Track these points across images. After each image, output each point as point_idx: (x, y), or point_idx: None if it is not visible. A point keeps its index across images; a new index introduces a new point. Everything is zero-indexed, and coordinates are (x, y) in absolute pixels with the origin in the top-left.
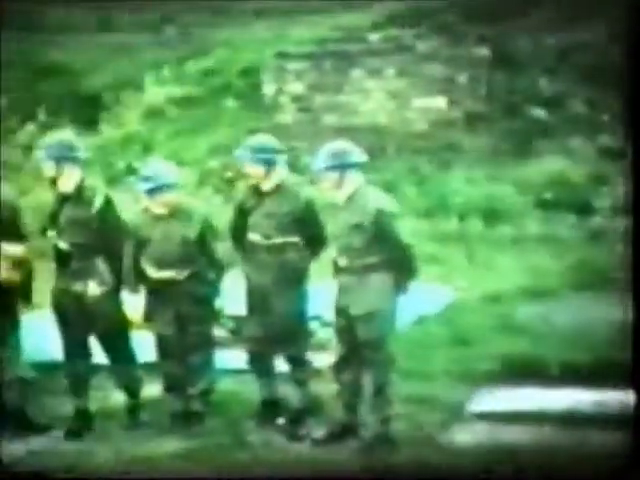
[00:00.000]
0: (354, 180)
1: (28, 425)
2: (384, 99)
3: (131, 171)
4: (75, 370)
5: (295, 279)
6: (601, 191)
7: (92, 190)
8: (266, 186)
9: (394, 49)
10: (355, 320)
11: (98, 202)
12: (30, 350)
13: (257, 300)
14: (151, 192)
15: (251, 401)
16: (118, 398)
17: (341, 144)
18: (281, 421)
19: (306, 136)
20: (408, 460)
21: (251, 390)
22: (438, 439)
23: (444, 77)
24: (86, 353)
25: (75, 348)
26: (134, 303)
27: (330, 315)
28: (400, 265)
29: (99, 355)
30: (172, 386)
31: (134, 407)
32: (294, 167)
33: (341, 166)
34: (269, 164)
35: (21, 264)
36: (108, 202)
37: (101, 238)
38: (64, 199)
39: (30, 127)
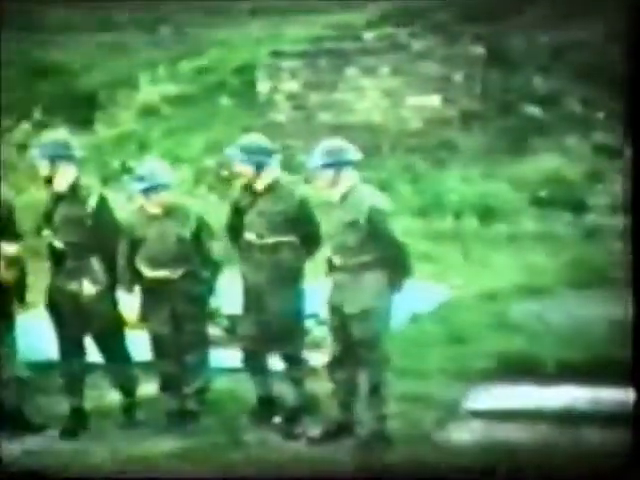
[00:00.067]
0: (349, 178)
1: (24, 424)
2: (379, 97)
3: (126, 170)
4: (70, 369)
5: (290, 278)
6: (596, 189)
7: (87, 189)
8: (259, 186)
9: (389, 47)
10: (349, 318)
11: (93, 201)
12: (25, 349)
13: (253, 299)
14: (146, 192)
15: (246, 400)
16: (113, 397)
17: (336, 142)
18: (277, 420)
19: (301, 134)
20: (404, 458)
21: (246, 389)
22: (434, 437)
23: (439, 75)
24: (81, 352)
25: (70, 347)
26: (129, 302)
27: (325, 313)
28: (394, 263)
29: (94, 354)
30: (167, 385)
31: (129, 406)
32: (289, 165)
33: (336, 164)
34: (258, 164)
35: (15, 263)
36: (103, 201)
37: (96, 237)
38: (59, 198)
39: (25, 126)
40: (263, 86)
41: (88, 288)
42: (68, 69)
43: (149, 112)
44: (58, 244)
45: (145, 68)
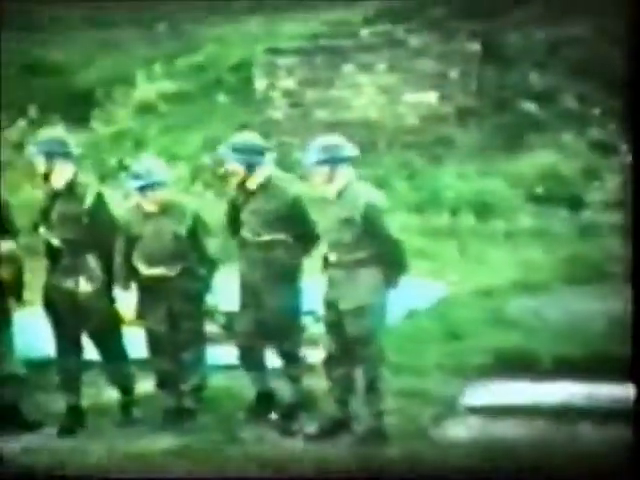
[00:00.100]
0: (345, 175)
1: (21, 422)
2: (375, 94)
3: (123, 167)
4: (67, 367)
5: (286, 275)
6: (593, 185)
7: (84, 186)
8: (251, 184)
9: (385, 44)
10: (344, 315)
11: (90, 198)
12: (22, 347)
13: (249, 296)
14: (142, 189)
15: (243, 397)
16: (111, 395)
17: (332, 138)
18: (274, 416)
19: (297, 131)
20: (401, 454)
21: (243, 386)
22: (431, 433)
23: (435, 72)
24: (78, 350)
25: (67, 345)
26: (126, 300)
27: (321, 310)
28: (390, 260)
29: (91, 352)
30: (164, 382)
31: (127, 404)
32: (285, 162)
33: (332, 160)
34: (250, 164)
35: (12, 261)
36: (100, 198)
37: (92, 235)
38: (56, 195)
39: (21, 123)
40: (260, 83)
41: (85, 286)
42: (64, 67)
43: (146, 109)
44: (55, 241)
45: (142, 65)
